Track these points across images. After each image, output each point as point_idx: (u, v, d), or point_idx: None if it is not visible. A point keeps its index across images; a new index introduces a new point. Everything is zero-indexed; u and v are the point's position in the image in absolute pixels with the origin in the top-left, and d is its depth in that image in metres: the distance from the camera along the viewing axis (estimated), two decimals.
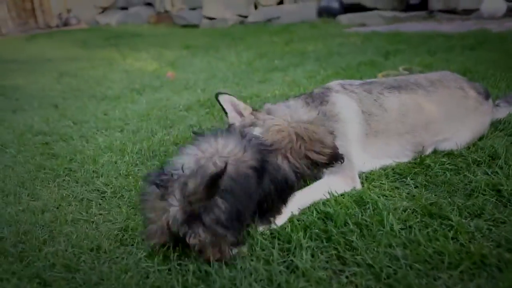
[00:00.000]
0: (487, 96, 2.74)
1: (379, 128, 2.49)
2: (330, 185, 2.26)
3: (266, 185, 1.97)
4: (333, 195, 2.19)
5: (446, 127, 2.58)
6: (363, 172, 2.45)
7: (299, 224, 1.96)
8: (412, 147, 2.54)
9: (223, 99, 2.55)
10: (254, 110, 2.56)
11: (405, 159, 2.54)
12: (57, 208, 2.41)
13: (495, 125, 2.87)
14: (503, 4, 7.74)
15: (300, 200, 2.17)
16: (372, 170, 2.47)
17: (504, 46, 5.24)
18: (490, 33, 6.08)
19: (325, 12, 10.18)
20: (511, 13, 7.75)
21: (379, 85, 2.63)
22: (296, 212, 2.11)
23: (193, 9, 12.69)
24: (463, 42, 5.70)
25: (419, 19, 8.77)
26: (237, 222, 1.81)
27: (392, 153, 2.53)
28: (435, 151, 2.58)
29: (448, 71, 2.88)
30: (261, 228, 1.99)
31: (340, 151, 2.29)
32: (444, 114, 2.57)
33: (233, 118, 2.53)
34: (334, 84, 2.67)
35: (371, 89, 2.59)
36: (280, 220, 2.04)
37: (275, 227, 1.98)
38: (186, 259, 1.82)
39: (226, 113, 2.56)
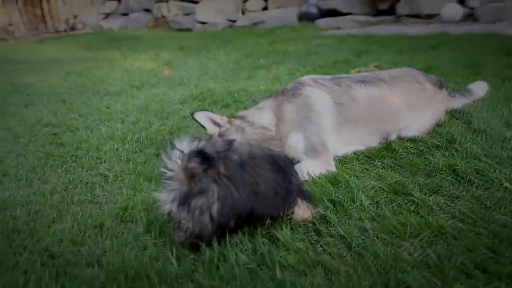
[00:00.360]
0: (441, 86, 2.78)
1: (349, 116, 2.49)
2: (308, 168, 2.27)
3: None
4: (311, 176, 2.20)
5: (407, 115, 2.59)
6: (337, 156, 2.46)
7: None
8: (379, 133, 2.56)
9: (198, 115, 2.50)
10: (230, 118, 2.54)
11: (373, 145, 2.55)
12: (65, 190, 2.40)
13: (452, 114, 2.89)
14: (460, 10, 7.78)
15: None
16: (345, 155, 2.48)
17: (461, 46, 5.26)
18: (449, 35, 6.11)
19: (305, 17, 10.15)
20: (467, 18, 7.80)
21: (347, 79, 2.64)
22: None
23: (187, 14, 12.58)
24: (426, 42, 5.72)
25: (388, 23, 8.79)
26: (230, 217, 1.62)
27: (362, 139, 2.54)
28: (400, 138, 2.59)
29: (407, 67, 2.91)
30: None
31: (316, 138, 2.33)
32: (404, 104, 2.59)
33: (211, 130, 2.44)
34: (306, 78, 2.65)
35: (340, 82, 2.59)
36: None
37: None
38: None
39: (204, 128, 2.48)
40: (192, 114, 2.55)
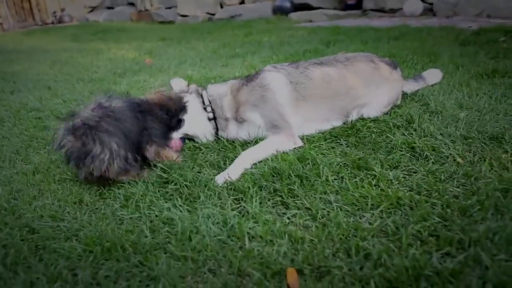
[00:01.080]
0: (395, 67, 2.77)
1: (306, 93, 2.45)
2: (275, 143, 2.24)
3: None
4: (280, 153, 2.16)
5: (364, 92, 2.56)
6: (304, 135, 2.42)
7: (250, 178, 1.93)
8: (339, 110, 2.52)
9: (173, 81, 2.68)
10: (198, 86, 2.66)
11: (336, 122, 2.53)
12: (47, 170, 2.31)
13: (411, 97, 2.89)
14: (420, 5, 7.80)
15: (251, 156, 2.15)
16: (312, 134, 2.45)
17: (421, 37, 5.26)
18: (410, 27, 6.10)
19: (279, 11, 10.04)
20: (427, 12, 7.82)
21: (304, 62, 2.63)
22: (248, 166, 2.08)
23: (169, 8, 12.31)
24: (389, 34, 5.70)
25: (355, 17, 8.76)
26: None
27: (323, 116, 2.50)
28: (363, 118, 2.57)
29: (363, 52, 2.90)
30: (219, 182, 1.96)
31: (275, 114, 2.34)
32: (360, 82, 2.56)
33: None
34: (267, 66, 2.61)
35: (298, 65, 2.57)
36: (234, 174, 2.00)
37: (230, 180, 1.94)
38: (154, 207, 1.76)
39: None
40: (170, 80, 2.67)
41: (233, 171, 2.01)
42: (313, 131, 2.48)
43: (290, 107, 2.42)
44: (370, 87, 2.58)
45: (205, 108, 2.48)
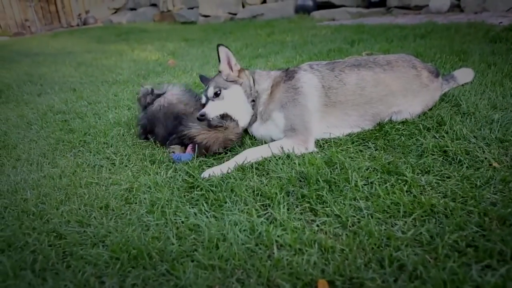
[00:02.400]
0: (437, 75, 2.64)
1: (337, 99, 2.38)
2: (282, 145, 2.24)
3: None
4: (307, 157, 2.10)
5: (400, 100, 2.46)
6: (331, 139, 2.37)
7: (277, 183, 1.89)
8: (371, 117, 2.43)
9: (221, 49, 2.56)
10: (242, 69, 2.61)
11: (366, 127, 2.44)
12: (73, 174, 2.32)
13: (441, 97, 2.79)
14: (447, 1, 7.60)
15: (250, 154, 2.19)
16: (339, 137, 2.38)
17: (448, 35, 5.11)
18: (437, 25, 5.94)
19: (301, 9, 9.95)
20: (454, 9, 7.62)
21: (342, 63, 2.53)
22: (245, 162, 2.13)
23: (191, 8, 12.36)
24: (415, 32, 5.56)
25: (379, 14, 8.60)
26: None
27: (352, 123, 2.42)
28: (391, 121, 2.49)
29: (405, 54, 2.76)
30: (205, 175, 2.04)
31: (298, 119, 2.32)
32: (398, 89, 2.45)
33: (223, 68, 2.58)
34: (304, 64, 2.59)
35: (334, 67, 2.49)
36: (225, 168, 2.08)
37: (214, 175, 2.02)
38: (180, 213, 1.74)
39: (219, 61, 2.58)
40: (218, 45, 2.58)
41: (226, 167, 2.08)
42: (340, 134, 2.41)
43: (318, 113, 2.37)
44: (408, 95, 2.48)
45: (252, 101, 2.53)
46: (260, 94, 2.53)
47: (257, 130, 2.51)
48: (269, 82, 2.54)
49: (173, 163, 2.26)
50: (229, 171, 2.06)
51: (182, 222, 1.68)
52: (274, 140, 2.36)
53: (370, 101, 2.42)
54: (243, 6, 11.51)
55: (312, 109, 2.35)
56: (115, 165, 2.37)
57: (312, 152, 2.19)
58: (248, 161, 2.13)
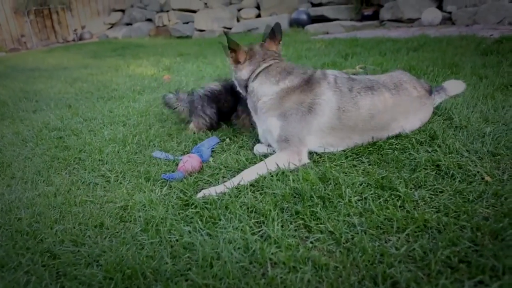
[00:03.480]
0: (430, 92, 2.68)
1: (347, 123, 2.34)
2: (277, 161, 2.22)
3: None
4: (302, 174, 2.10)
5: (402, 122, 2.48)
6: (325, 154, 2.38)
7: (271, 200, 1.89)
8: (370, 138, 2.44)
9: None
10: (246, 59, 2.54)
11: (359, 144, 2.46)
12: (68, 192, 2.31)
13: (434, 111, 2.82)
14: (439, 14, 7.70)
15: (247, 174, 2.16)
16: (333, 152, 2.40)
17: (440, 47, 5.19)
18: (429, 37, 6.02)
19: (295, 23, 10.07)
20: (446, 21, 7.72)
21: (359, 83, 2.43)
22: (242, 183, 2.10)
23: (186, 23, 12.48)
24: (407, 45, 5.64)
25: (372, 27, 8.71)
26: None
27: (350, 144, 2.43)
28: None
29: (401, 70, 2.77)
30: (200, 195, 2.03)
31: (295, 132, 2.29)
32: (402, 112, 2.47)
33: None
34: (331, 75, 2.46)
35: (353, 85, 2.40)
36: (220, 188, 2.06)
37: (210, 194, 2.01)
38: (175, 231, 1.74)
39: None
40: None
41: (221, 188, 2.06)
42: (334, 151, 2.42)
43: (321, 132, 2.34)
44: (409, 117, 2.50)
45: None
46: (258, 95, 2.46)
47: (256, 124, 2.58)
48: (274, 91, 2.39)
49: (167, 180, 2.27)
50: (225, 190, 2.05)
51: (177, 240, 1.68)
52: (269, 142, 2.42)
53: (375, 128, 2.41)
54: (238, 21, 11.63)
55: (316, 128, 2.32)
56: (110, 183, 2.37)
57: (306, 168, 2.20)
58: (245, 181, 2.11)
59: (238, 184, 2.09)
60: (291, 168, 2.21)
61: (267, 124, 2.40)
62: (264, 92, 2.42)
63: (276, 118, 2.34)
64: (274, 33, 2.57)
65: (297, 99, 2.34)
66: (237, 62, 2.54)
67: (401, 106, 2.47)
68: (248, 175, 2.15)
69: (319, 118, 2.32)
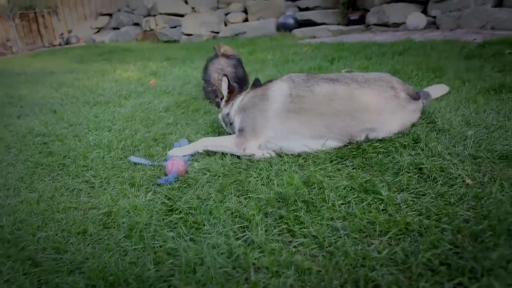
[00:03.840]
0: (416, 98, 2.67)
1: (302, 106, 2.43)
2: (226, 143, 2.55)
3: None
4: (286, 178, 2.12)
5: (374, 118, 2.47)
6: (309, 157, 2.40)
7: (255, 204, 1.90)
8: (340, 131, 2.44)
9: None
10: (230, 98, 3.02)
11: (333, 143, 2.46)
12: (51, 198, 2.29)
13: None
14: (423, 19, 7.81)
15: (206, 142, 2.62)
16: (318, 156, 2.40)
17: (425, 51, 5.26)
18: (414, 42, 6.10)
19: (282, 27, 10.12)
20: (430, 26, 7.83)
21: (320, 76, 2.59)
22: (200, 150, 2.61)
23: (174, 27, 12.45)
24: (393, 49, 5.70)
25: (359, 31, 8.79)
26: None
27: (315, 132, 2.43)
28: (369, 140, 2.53)
29: (387, 73, 2.79)
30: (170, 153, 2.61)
31: (251, 122, 2.52)
32: (372, 107, 2.46)
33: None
34: (285, 76, 2.68)
35: (310, 78, 2.55)
36: (187, 150, 2.60)
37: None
38: (159, 237, 1.73)
39: None
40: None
41: (185, 151, 2.57)
42: (302, 146, 2.44)
43: (278, 118, 2.46)
44: (382, 114, 2.49)
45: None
46: (231, 114, 2.77)
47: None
48: (240, 98, 2.74)
49: (158, 185, 2.26)
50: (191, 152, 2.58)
51: (160, 246, 1.68)
52: None
53: (338, 113, 2.42)
54: (225, 25, 11.65)
55: (272, 114, 2.46)
56: (94, 189, 2.35)
57: (291, 172, 2.21)
58: (204, 149, 2.61)
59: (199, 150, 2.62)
60: (237, 154, 2.51)
61: (234, 125, 2.72)
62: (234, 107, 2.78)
63: (237, 115, 2.65)
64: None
65: (251, 94, 2.68)
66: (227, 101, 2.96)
67: (371, 98, 2.47)
68: (208, 144, 2.62)
69: (272, 104, 2.49)
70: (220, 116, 3.04)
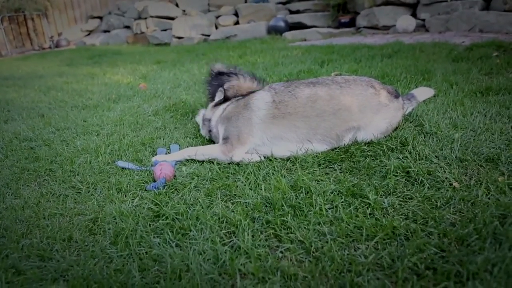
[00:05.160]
0: (397, 96, 2.68)
1: (286, 111, 2.46)
2: (215, 150, 2.51)
3: None
4: (273, 181, 2.11)
5: (357, 116, 2.48)
6: (297, 161, 2.39)
7: (242, 209, 1.89)
8: (325, 131, 2.45)
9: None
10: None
11: (320, 146, 2.48)
12: (37, 204, 2.25)
13: (406, 118, 2.87)
14: (413, 22, 7.86)
15: (191, 152, 2.59)
16: (306, 160, 2.40)
17: (414, 54, 5.28)
18: (403, 44, 6.13)
19: (273, 30, 10.13)
20: (419, 28, 7.88)
21: (300, 81, 2.63)
22: (183, 159, 2.59)
23: (164, 30, 12.41)
24: (382, 51, 5.72)
25: (349, 34, 8.82)
26: None
27: (302, 136, 2.45)
28: (357, 142, 2.54)
29: (367, 76, 2.82)
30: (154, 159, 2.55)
31: (235, 130, 2.51)
32: (354, 104, 2.48)
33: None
34: (266, 86, 2.73)
35: (290, 84, 2.60)
36: (171, 158, 2.55)
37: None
38: (145, 244, 1.72)
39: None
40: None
41: (169, 158, 2.52)
42: (286, 151, 2.46)
43: (263, 124, 2.49)
44: (365, 112, 2.50)
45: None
46: (212, 122, 2.82)
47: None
48: (222, 108, 2.77)
49: (146, 190, 2.25)
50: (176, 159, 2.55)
51: (146, 253, 1.66)
52: None
53: (321, 114, 2.44)
54: (216, 28, 11.64)
55: (256, 122, 2.50)
56: (81, 194, 2.33)
57: (279, 176, 2.20)
58: (184, 156, 2.59)
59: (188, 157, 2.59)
60: (222, 160, 2.51)
61: (217, 134, 2.72)
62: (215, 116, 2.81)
63: (221, 124, 2.66)
64: None
65: (235, 104, 2.69)
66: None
67: (352, 98, 2.49)
68: (190, 153, 2.59)
69: (256, 112, 2.51)
70: (199, 118, 3.11)
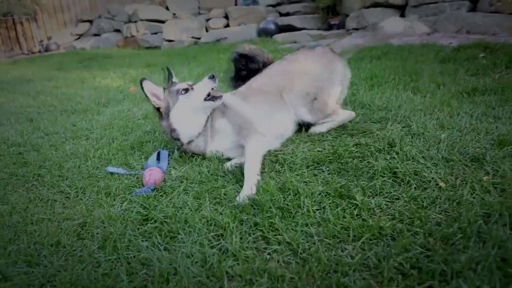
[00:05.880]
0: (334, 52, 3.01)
1: (252, 93, 2.81)
2: (253, 147, 2.40)
3: None
4: (261, 185, 2.11)
5: (317, 77, 2.82)
6: (285, 162, 2.40)
7: (231, 212, 1.89)
8: (299, 94, 2.77)
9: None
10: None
11: (301, 109, 2.79)
12: (24, 210, 2.24)
13: (393, 118, 2.89)
14: (401, 23, 7.94)
15: (253, 170, 2.22)
16: (295, 162, 2.41)
17: (402, 55, 5.32)
18: (392, 46, 6.18)
19: (263, 33, 10.16)
20: (407, 30, 7.95)
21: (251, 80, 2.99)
22: (258, 178, 2.18)
23: (155, 33, 12.40)
24: (371, 53, 5.76)
25: (338, 36, 8.87)
26: None
27: (284, 105, 2.78)
28: (345, 145, 2.55)
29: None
30: (240, 201, 1.99)
31: (240, 120, 2.60)
32: (310, 67, 2.86)
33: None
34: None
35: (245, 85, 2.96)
36: (251, 190, 2.07)
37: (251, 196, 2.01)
38: (133, 247, 1.71)
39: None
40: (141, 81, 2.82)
41: (248, 190, 2.07)
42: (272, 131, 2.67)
43: (248, 109, 2.68)
44: (323, 71, 2.85)
45: None
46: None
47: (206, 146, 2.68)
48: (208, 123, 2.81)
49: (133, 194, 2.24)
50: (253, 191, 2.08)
51: (134, 256, 1.66)
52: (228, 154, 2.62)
53: (284, 83, 2.86)
54: (207, 31, 11.65)
55: (240, 110, 2.67)
56: (69, 199, 2.32)
57: (267, 179, 2.21)
58: (258, 174, 2.23)
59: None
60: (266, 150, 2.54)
61: (219, 130, 2.67)
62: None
63: (220, 118, 2.65)
64: None
65: (216, 115, 2.71)
66: None
67: (305, 62, 2.91)
68: (255, 169, 2.24)
69: (232, 105, 2.72)
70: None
